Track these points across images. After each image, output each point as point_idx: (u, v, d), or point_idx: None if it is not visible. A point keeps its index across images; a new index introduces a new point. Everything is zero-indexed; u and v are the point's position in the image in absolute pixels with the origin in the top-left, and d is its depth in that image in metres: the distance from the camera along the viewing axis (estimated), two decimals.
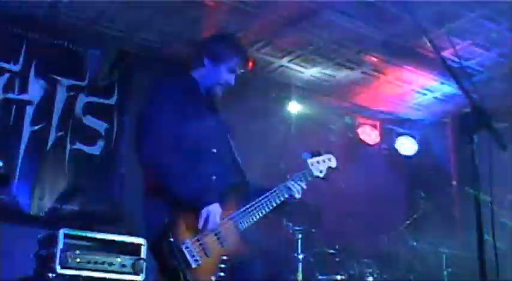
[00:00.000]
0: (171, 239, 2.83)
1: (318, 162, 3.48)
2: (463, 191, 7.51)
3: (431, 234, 6.58)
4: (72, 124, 6.13)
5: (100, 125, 6.30)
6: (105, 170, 6.19)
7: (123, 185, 6.13)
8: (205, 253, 2.93)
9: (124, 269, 4.91)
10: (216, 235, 3.00)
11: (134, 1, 5.66)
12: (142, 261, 4.96)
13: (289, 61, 6.88)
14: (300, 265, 5.48)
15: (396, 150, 8.33)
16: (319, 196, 4.62)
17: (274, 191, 3.27)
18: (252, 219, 3.16)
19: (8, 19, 5.89)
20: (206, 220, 2.94)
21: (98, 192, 6.04)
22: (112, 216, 5.96)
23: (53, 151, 5.94)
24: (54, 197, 5.81)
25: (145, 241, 4.75)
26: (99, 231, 5.04)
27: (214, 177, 3.13)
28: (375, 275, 5.86)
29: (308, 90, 7.55)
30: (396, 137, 8.36)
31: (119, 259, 4.91)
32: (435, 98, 7.69)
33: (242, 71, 3.38)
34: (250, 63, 3.42)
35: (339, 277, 5.56)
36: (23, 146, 5.77)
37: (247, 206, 3.16)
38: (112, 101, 6.42)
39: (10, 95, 5.82)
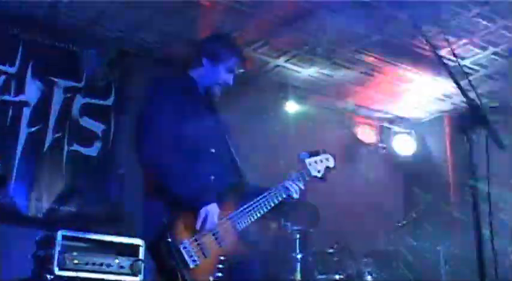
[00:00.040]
0: (169, 239, 2.83)
1: (315, 162, 3.48)
2: (460, 189, 7.53)
3: (430, 233, 6.58)
4: (69, 125, 6.12)
5: (97, 126, 6.29)
6: (103, 171, 6.18)
7: (121, 186, 6.12)
8: (203, 253, 2.93)
9: (122, 271, 4.90)
10: (214, 235, 3.00)
11: (132, 1, 5.66)
12: (140, 262, 4.95)
13: (286, 61, 6.88)
14: (299, 264, 5.47)
15: (394, 149, 8.34)
16: (317, 196, 4.61)
17: (272, 191, 3.27)
18: (250, 219, 3.16)
19: (4, 20, 5.88)
20: (204, 220, 2.95)
21: (96, 193, 6.03)
22: (110, 217, 5.95)
23: (50, 153, 5.93)
24: (51, 199, 5.79)
25: (143, 241, 4.76)
26: (97, 232, 5.04)
27: (212, 177, 3.14)
28: (374, 275, 5.86)
29: (305, 90, 7.56)
30: (394, 136, 8.38)
31: (117, 260, 4.90)
32: (432, 97, 7.70)
33: (240, 70, 3.38)
34: (248, 63, 3.42)
35: (337, 277, 5.56)
36: (20, 148, 5.75)
37: (245, 206, 3.16)
38: (109, 102, 6.41)
39: (7, 97, 5.81)
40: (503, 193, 5.85)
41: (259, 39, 6.33)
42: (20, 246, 5.06)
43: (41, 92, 6.03)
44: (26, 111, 5.90)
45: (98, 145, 6.23)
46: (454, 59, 5.47)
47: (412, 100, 7.86)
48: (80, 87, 6.26)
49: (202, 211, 2.95)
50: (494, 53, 6.49)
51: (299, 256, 5.51)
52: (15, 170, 5.66)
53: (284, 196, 3.30)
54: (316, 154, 3.52)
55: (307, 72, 7.12)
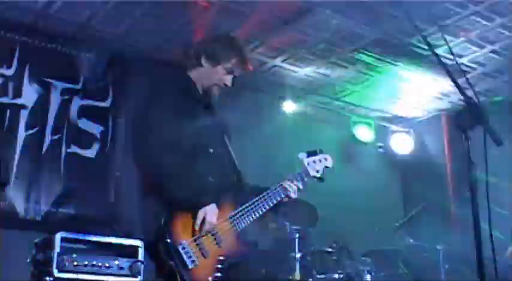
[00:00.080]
0: (168, 240, 2.83)
1: (314, 162, 3.47)
2: (459, 188, 7.54)
3: (429, 232, 6.59)
4: (67, 128, 6.12)
5: (95, 128, 6.30)
6: (101, 173, 6.18)
7: (119, 187, 6.12)
8: (202, 254, 2.93)
9: (121, 272, 4.90)
10: (213, 235, 2.99)
11: (127, 2, 5.66)
12: (139, 263, 4.95)
13: (283, 61, 6.88)
14: (297, 264, 5.47)
15: (392, 148, 8.35)
16: (316, 195, 4.61)
17: (271, 191, 3.27)
18: (249, 219, 3.16)
19: (0, 23, 5.87)
20: (203, 221, 2.94)
21: (94, 195, 6.03)
22: (108, 219, 5.95)
23: (48, 155, 5.93)
24: (50, 201, 5.79)
25: (142, 242, 4.75)
26: (96, 234, 5.03)
27: (211, 177, 3.13)
28: (372, 274, 5.86)
29: (302, 90, 7.56)
30: (391, 135, 8.38)
31: (116, 262, 4.89)
32: (430, 95, 7.71)
33: (240, 72, 3.37)
34: (249, 65, 3.40)
35: (336, 276, 5.55)
36: (18, 151, 5.76)
37: (244, 206, 3.16)
38: (107, 103, 6.41)
39: (4, 100, 5.81)
40: (503, 187, 5.87)
41: (256, 39, 6.33)
42: (19, 249, 5.05)
43: (39, 94, 6.03)
44: (24, 114, 5.91)
45: (96, 146, 6.23)
46: (452, 57, 5.49)
47: (409, 99, 7.87)
48: (77, 89, 6.26)
49: (201, 212, 2.95)
50: (492, 51, 6.50)
51: (298, 256, 5.51)
52: (13, 173, 5.66)
53: (283, 196, 3.29)
54: (315, 153, 3.51)
55: (304, 71, 7.13)
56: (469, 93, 2.54)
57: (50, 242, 4.75)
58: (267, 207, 3.23)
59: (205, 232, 2.96)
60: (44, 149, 5.92)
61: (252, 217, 3.17)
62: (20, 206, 5.62)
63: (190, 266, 2.85)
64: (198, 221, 2.94)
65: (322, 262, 5.69)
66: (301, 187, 3.37)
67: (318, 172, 3.47)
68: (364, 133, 8.28)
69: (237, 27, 5.88)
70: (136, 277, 4.93)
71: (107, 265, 4.84)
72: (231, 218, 3.10)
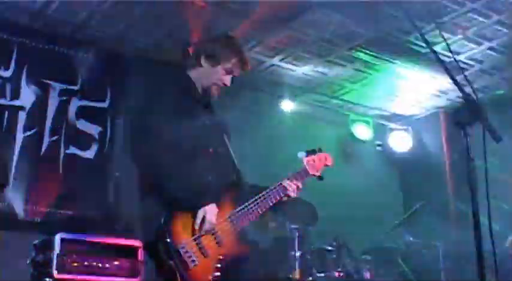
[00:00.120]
0: (168, 240, 2.83)
1: (313, 161, 3.48)
2: (458, 185, 7.55)
3: (428, 229, 6.60)
4: (65, 129, 6.11)
5: (94, 129, 6.29)
6: (100, 173, 6.17)
7: (118, 188, 6.12)
8: (202, 254, 2.93)
9: (121, 272, 4.91)
10: (213, 235, 2.99)
11: (124, 2, 5.66)
12: (139, 263, 4.95)
13: (281, 60, 6.89)
14: (297, 262, 5.48)
15: (390, 146, 8.36)
16: (315, 194, 4.62)
17: (270, 190, 3.27)
18: (249, 219, 3.16)
19: None
20: (203, 220, 2.94)
21: (93, 196, 6.02)
22: (108, 219, 5.95)
23: (47, 156, 5.93)
24: (49, 202, 5.78)
25: (142, 242, 4.76)
26: (95, 235, 5.04)
27: (210, 177, 3.13)
28: (372, 272, 5.87)
29: (300, 89, 7.57)
30: (390, 133, 8.39)
31: (116, 262, 4.90)
32: (428, 93, 7.71)
33: (239, 72, 3.37)
34: (248, 65, 3.40)
35: (336, 274, 5.56)
36: (16, 152, 5.75)
37: (244, 205, 3.16)
38: (105, 104, 6.41)
39: (2, 101, 5.81)
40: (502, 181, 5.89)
41: (253, 38, 6.33)
42: (18, 250, 5.05)
43: (36, 95, 6.02)
44: (22, 115, 5.90)
45: (94, 147, 6.23)
46: (449, 54, 5.49)
47: (407, 97, 7.87)
48: (75, 90, 6.26)
49: (201, 211, 2.95)
50: (489, 48, 6.51)
51: (298, 254, 5.51)
52: (12, 174, 5.65)
53: (282, 195, 3.29)
54: (314, 152, 3.52)
55: (302, 70, 7.13)
56: (467, 90, 2.54)
57: (49, 243, 4.76)
58: (267, 206, 3.23)
59: (205, 231, 2.95)
60: (43, 150, 5.91)
61: (252, 216, 3.17)
62: (19, 208, 5.61)
63: (190, 266, 2.85)
64: (198, 221, 2.94)
65: (322, 261, 5.69)
66: (300, 186, 3.37)
67: (317, 170, 3.47)
68: (363, 131, 8.29)
69: (234, 27, 5.89)
70: (136, 277, 4.93)
71: (107, 265, 4.85)
72: (230, 217, 3.10)
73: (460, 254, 6.20)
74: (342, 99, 7.96)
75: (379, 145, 8.41)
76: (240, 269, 3.10)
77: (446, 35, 6.14)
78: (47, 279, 4.61)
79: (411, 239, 6.57)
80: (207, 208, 2.96)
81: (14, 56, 5.95)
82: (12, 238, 5.26)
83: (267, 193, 3.25)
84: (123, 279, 4.91)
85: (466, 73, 6.73)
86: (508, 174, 6.36)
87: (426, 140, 8.28)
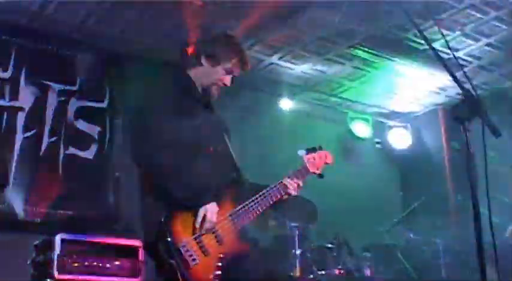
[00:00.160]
0: (169, 239, 2.82)
1: (314, 158, 3.47)
2: (457, 182, 7.56)
3: (428, 226, 6.60)
4: (64, 129, 6.11)
5: (93, 129, 6.29)
6: (100, 173, 6.17)
7: (118, 188, 6.12)
8: (203, 252, 2.92)
9: (122, 272, 4.91)
10: (213, 233, 2.99)
11: (122, 3, 5.65)
12: (140, 263, 4.95)
13: (279, 58, 6.89)
14: (298, 260, 5.48)
15: (389, 143, 8.36)
16: (315, 192, 4.62)
17: (271, 188, 3.27)
18: (249, 217, 3.16)
19: None
20: (203, 219, 2.94)
21: (93, 196, 6.03)
22: (108, 219, 5.95)
23: (46, 157, 5.93)
24: (49, 203, 5.78)
25: (142, 242, 4.76)
26: (96, 235, 5.03)
27: (211, 176, 3.13)
28: (373, 269, 5.87)
29: (299, 87, 7.57)
30: (389, 130, 8.39)
31: (116, 262, 4.90)
32: (427, 90, 7.71)
33: (239, 72, 3.36)
34: (248, 65, 3.39)
35: (336, 272, 5.56)
36: (16, 153, 5.75)
37: (244, 204, 3.16)
38: (104, 104, 6.41)
39: (1, 102, 5.81)
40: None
41: (252, 37, 6.33)
42: (18, 251, 5.05)
43: (35, 96, 6.02)
44: (21, 116, 5.90)
45: (94, 147, 6.23)
46: (447, 51, 5.49)
47: (406, 94, 7.88)
48: (74, 91, 6.26)
49: (202, 210, 2.94)
50: (487, 44, 6.51)
51: (298, 252, 5.51)
52: (11, 175, 5.65)
53: (283, 193, 3.29)
54: (314, 150, 3.51)
55: (301, 68, 7.13)
56: (467, 86, 2.54)
57: (49, 243, 4.76)
58: (267, 205, 3.23)
59: (205, 230, 2.95)
60: (42, 150, 5.91)
61: (253, 215, 3.17)
62: (19, 208, 5.61)
63: (191, 265, 2.84)
64: (199, 220, 2.94)
65: (322, 258, 5.69)
66: (301, 184, 3.37)
67: (317, 168, 3.47)
68: (362, 129, 8.29)
69: (232, 26, 5.89)
70: (136, 277, 4.93)
71: (107, 265, 4.85)
72: (231, 216, 3.10)
73: (460, 249, 6.21)
74: (340, 97, 7.97)
75: (378, 143, 8.42)
76: (241, 267, 3.09)
77: (444, 32, 6.14)
78: (48, 280, 4.61)
79: (411, 235, 6.57)
80: (207, 206, 2.96)
81: (13, 57, 5.95)
82: (13, 238, 5.26)
83: (267, 191, 3.24)
84: (123, 279, 4.91)
85: (465, 69, 6.73)
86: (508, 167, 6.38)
87: (425, 137, 8.29)
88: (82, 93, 6.28)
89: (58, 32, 6.16)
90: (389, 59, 6.88)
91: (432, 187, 7.41)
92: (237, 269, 3.06)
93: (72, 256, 4.70)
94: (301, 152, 3.47)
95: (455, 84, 2.46)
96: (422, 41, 6.11)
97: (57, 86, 6.16)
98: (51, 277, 4.59)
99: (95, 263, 4.80)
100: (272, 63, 6.99)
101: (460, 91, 2.42)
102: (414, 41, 6.38)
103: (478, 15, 5.91)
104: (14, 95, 5.90)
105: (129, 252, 5.01)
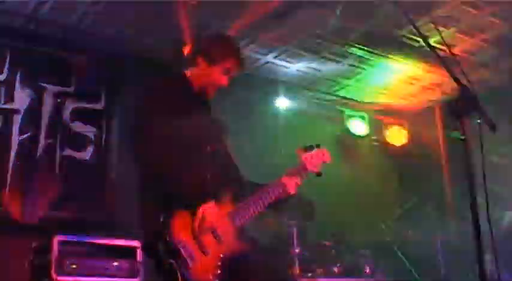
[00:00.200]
0: (168, 239, 2.82)
1: (311, 157, 3.47)
2: (455, 178, 7.57)
3: (426, 222, 6.61)
4: (61, 131, 6.10)
5: (89, 130, 6.28)
6: (97, 175, 6.17)
7: (116, 189, 6.11)
8: (203, 252, 2.92)
9: (120, 273, 4.90)
10: (212, 233, 2.99)
11: (117, 3, 5.64)
12: (138, 264, 4.95)
13: (275, 57, 6.88)
14: (297, 258, 5.48)
15: (386, 140, 8.37)
16: (313, 190, 4.62)
17: (269, 187, 3.27)
18: (248, 216, 3.15)
19: None
20: (203, 219, 2.94)
21: (91, 197, 6.01)
22: (106, 220, 5.94)
23: (43, 159, 5.92)
24: (46, 205, 5.77)
25: (141, 243, 4.76)
26: (94, 236, 5.03)
27: (209, 175, 3.12)
28: (371, 266, 5.88)
29: (295, 85, 7.57)
30: (385, 127, 8.40)
31: (115, 263, 4.90)
32: (422, 86, 7.72)
33: (236, 72, 3.36)
34: (245, 65, 3.39)
35: (335, 269, 5.57)
36: (12, 155, 5.74)
37: (243, 203, 3.16)
38: (100, 105, 6.40)
39: None
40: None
41: (247, 36, 6.32)
42: (16, 254, 5.03)
43: (31, 98, 6.01)
44: (17, 119, 5.88)
45: (90, 148, 6.22)
46: (442, 47, 5.48)
47: (402, 91, 7.88)
48: (70, 92, 6.24)
49: (201, 210, 2.94)
50: (483, 40, 6.51)
51: (297, 250, 5.52)
52: (8, 178, 5.63)
53: (281, 191, 3.29)
54: (312, 148, 3.51)
55: (296, 67, 7.13)
56: (462, 82, 2.54)
57: (47, 245, 4.74)
58: (266, 203, 3.23)
59: (205, 230, 2.95)
60: (39, 153, 5.90)
61: (251, 213, 3.17)
62: (16, 211, 5.60)
63: (190, 265, 2.84)
64: (198, 219, 2.94)
65: (321, 256, 5.70)
66: (299, 182, 3.37)
67: (315, 166, 3.47)
68: (359, 127, 8.29)
69: (228, 25, 5.89)
70: (135, 277, 4.93)
71: (106, 266, 4.84)
72: (230, 215, 3.10)
73: (458, 245, 6.22)
74: (337, 95, 7.97)
75: (375, 140, 8.42)
76: (240, 266, 3.09)
77: (439, 28, 6.15)
78: None
79: (410, 232, 6.58)
80: (206, 206, 2.96)
81: (8, 59, 5.93)
82: (10, 241, 5.24)
83: (265, 190, 3.24)
84: (122, 280, 4.91)
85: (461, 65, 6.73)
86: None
87: (422, 134, 8.29)
88: (78, 95, 6.26)
89: (53, 33, 6.14)
90: (385, 56, 6.88)
91: (430, 182, 7.42)
92: (237, 269, 3.06)
93: (70, 258, 4.70)
94: (299, 151, 3.47)
95: (451, 81, 2.47)
96: (418, 38, 6.13)
97: (52, 88, 6.15)
98: (50, 278, 4.58)
99: (93, 265, 4.79)
100: (268, 62, 6.99)
101: (456, 87, 2.42)
102: (409, 38, 6.38)
103: (473, 11, 5.91)
104: (10, 98, 5.88)
105: (127, 253, 5.00)
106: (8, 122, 5.82)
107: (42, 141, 5.95)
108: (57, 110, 6.13)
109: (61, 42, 6.23)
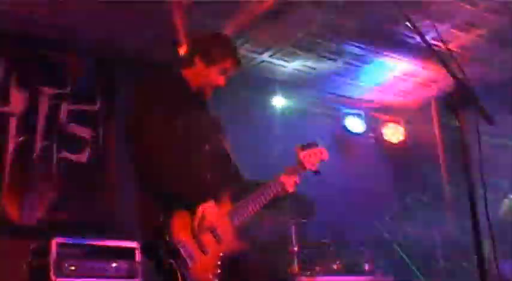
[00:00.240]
0: (167, 239, 2.82)
1: (309, 155, 3.48)
2: (452, 173, 7.58)
3: (424, 217, 6.62)
4: (57, 133, 6.09)
5: (86, 132, 6.27)
6: (94, 177, 6.16)
7: (113, 190, 6.10)
8: (202, 251, 2.92)
9: (119, 274, 4.90)
10: (212, 232, 2.99)
11: (111, 3, 5.64)
12: (137, 264, 4.94)
13: (271, 56, 6.88)
14: (296, 256, 5.48)
15: (383, 138, 8.38)
16: (311, 188, 4.62)
17: (268, 185, 3.27)
18: (247, 214, 3.15)
19: None
20: (202, 218, 2.93)
21: (88, 199, 6.00)
22: (103, 222, 5.93)
23: (39, 161, 5.90)
24: (44, 207, 5.77)
25: (139, 243, 4.76)
26: (92, 237, 5.02)
27: (208, 174, 3.12)
28: (370, 263, 5.88)
29: (291, 84, 7.56)
30: (382, 125, 8.41)
31: (113, 264, 4.89)
32: (418, 83, 7.72)
33: (233, 72, 3.35)
34: (242, 65, 3.39)
35: (334, 266, 5.57)
36: (9, 158, 5.72)
37: (242, 201, 3.16)
38: (96, 107, 6.38)
39: None
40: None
41: (242, 35, 6.32)
42: (14, 256, 5.02)
43: (27, 101, 5.99)
44: (13, 121, 5.86)
45: (87, 150, 6.21)
46: (438, 43, 5.49)
47: (399, 88, 7.88)
48: (66, 94, 6.23)
49: (199, 209, 2.94)
50: (478, 36, 6.51)
51: (296, 248, 5.52)
52: (5, 181, 5.63)
53: (280, 190, 3.30)
54: (309, 147, 3.52)
55: (292, 66, 7.13)
56: (459, 76, 2.54)
57: (46, 248, 4.73)
58: (265, 202, 3.24)
59: (204, 229, 2.95)
60: (35, 155, 5.89)
61: (250, 212, 3.17)
62: (14, 214, 5.59)
63: (190, 265, 2.84)
64: (197, 219, 2.93)
65: (320, 254, 5.71)
66: (297, 180, 3.37)
67: (313, 165, 3.48)
68: (356, 124, 8.29)
69: (223, 24, 5.88)
70: (134, 278, 4.93)
71: (105, 267, 4.84)
72: (229, 214, 3.09)
73: (457, 239, 6.22)
74: (333, 93, 7.97)
75: (372, 137, 8.43)
76: (240, 265, 3.09)
77: (430, 23, 6.14)
78: None
79: (408, 229, 6.58)
80: (205, 205, 2.95)
81: (3, 62, 5.92)
82: (8, 244, 5.24)
83: (264, 188, 3.25)
84: None
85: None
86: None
87: (419, 130, 8.30)
88: (74, 97, 6.25)
89: (48, 35, 6.12)
90: (381, 53, 6.88)
91: (427, 179, 7.42)
92: (236, 268, 3.06)
93: (68, 260, 4.69)
94: (297, 149, 3.48)
95: (447, 77, 2.47)
96: (413, 34, 6.13)
97: (48, 90, 6.13)
98: None
99: (92, 266, 4.78)
100: (263, 61, 6.98)
101: (452, 82, 2.42)
102: (405, 35, 6.38)
103: (468, 6, 5.92)
104: (5, 101, 5.87)
105: (126, 254, 5.00)
106: (4, 125, 5.80)
107: (38, 143, 5.94)
108: (53, 112, 6.12)
109: (56, 44, 6.22)
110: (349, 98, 8.12)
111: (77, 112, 6.26)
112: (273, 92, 7.56)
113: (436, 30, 5.97)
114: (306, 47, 6.72)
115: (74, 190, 5.97)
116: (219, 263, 2.96)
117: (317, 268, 5.58)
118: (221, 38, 3.48)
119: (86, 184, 6.08)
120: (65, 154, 6.07)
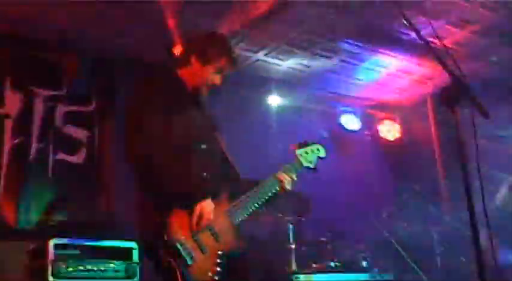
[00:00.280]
0: (166, 238, 2.81)
1: (306, 152, 3.49)
2: (449, 170, 7.59)
3: (421, 213, 6.62)
4: (53, 135, 6.08)
5: (81, 134, 6.26)
6: (90, 177, 6.15)
7: (110, 191, 6.10)
8: (201, 250, 2.92)
9: (117, 274, 4.90)
10: (210, 230, 2.99)
11: (106, 4, 5.63)
12: (135, 265, 4.94)
13: (266, 55, 6.88)
14: (293, 254, 5.48)
15: (379, 135, 8.39)
16: (308, 185, 4.63)
17: (266, 183, 3.28)
18: (246, 213, 3.16)
19: None
20: (200, 217, 2.94)
21: (85, 200, 6.00)
22: (100, 222, 5.93)
23: (35, 163, 5.89)
24: (41, 209, 5.76)
25: (137, 243, 4.77)
26: (89, 238, 5.01)
27: (205, 173, 3.12)
28: (368, 260, 5.88)
29: (287, 82, 7.56)
30: (378, 122, 8.42)
31: (111, 265, 4.88)
32: (414, 80, 7.73)
33: (229, 71, 3.36)
34: (238, 64, 3.39)
35: (332, 264, 5.57)
36: (4, 160, 5.71)
37: (240, 200, 3.16)
38: (91, 108, 6.37)
39: None
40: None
41: (237, 34, 6.31)
42: (12, 258, 5.02)
43: (22, 103, 5.98)
44: (8, 123, 5.85)
45: (83, 152, 6.20)
46: (432, 40, 5.49)
47: (394, 85, 7.89)
48: (61, 96, 6.22)
49: (197, 208, 2.95)
50: (472, 32, 6.52)
51: (293, 246, 5.52)
52: (1, 183, 5.61)
53: (277, 187, 3.31)
54: (306, 144, 3.53)
55: (287, 64, 7.13)
56: (454, 72, 2.54)
57: (43, 249, 4.72)
58: (263, 200, 3.25)
59: (202, 228, 2.95)
60: (31, 157, 5.88)
61: (248, 210, 3.18)
62: (10, 216, 5.58)
63: (189, 263, 2.84)
64: (195, 218, 2.94)
65: (318, 251, 5.71)
66: (295, 178, 3.38)
67: (311, 162, 3.48)
68: (351, 122, 8.30)
69: (217, 23, 5.87)
70: (132, 278, 4.92)
71: (102, 268, 4.83)
72: (227, 212, 3.10)
73: (454, 238, 6.23)
74: (329, 91, 7.97)
75: (368, 134, 8.44)
76: (239, 263, 3.10)
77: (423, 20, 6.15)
78: None
79: (406, 225, 6.59)
80: (203, 204, 2.97)
81: None
82: (5, 246, 5.22)
83: (262, 186, 3.26)
84: None
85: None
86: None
87: (415, 127, 8.32)
88: (69, 98, 6.24)
89: (43, 36, 6.11)
90: (376, 51, 6.88)
91: (424, 176, 7.43)
92: (235, 266, 3.06)
93: (66, 261, 4.68)
94: (294, 147, 3.49)
95: (443, 74, 2.47)
96: (408, 31, 6.14)
97: (43, 92, 6.12)
98: None
99: (90, 267, 4.77)
100: (259, 60, 6.98)
101: (448, 78, 2.43)
102: (399, 32, 6.38)
103: (463, 2, 5.92)
104: (0, 102, 5.85)
105: (124, 254, 4.99)
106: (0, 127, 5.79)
107: (34, 145, 5.93)
108: (49, 113, 6.11)
109: (51, 45, 6.20)
110: (345, 95, 8.13)
111: (73, 113, 6.25)
112: (269, 91, 7.56)
113: (432, 26, 5.98)
114: (301, 46, 6.72)
115: (71, 191, 5.96)
116: (217, 261, 2.97)
117: (314, 266, 5.58)
118: (217, 38, 3.48)
119: (83, 184, 6.07)
120: (61, 155, 6.06)
